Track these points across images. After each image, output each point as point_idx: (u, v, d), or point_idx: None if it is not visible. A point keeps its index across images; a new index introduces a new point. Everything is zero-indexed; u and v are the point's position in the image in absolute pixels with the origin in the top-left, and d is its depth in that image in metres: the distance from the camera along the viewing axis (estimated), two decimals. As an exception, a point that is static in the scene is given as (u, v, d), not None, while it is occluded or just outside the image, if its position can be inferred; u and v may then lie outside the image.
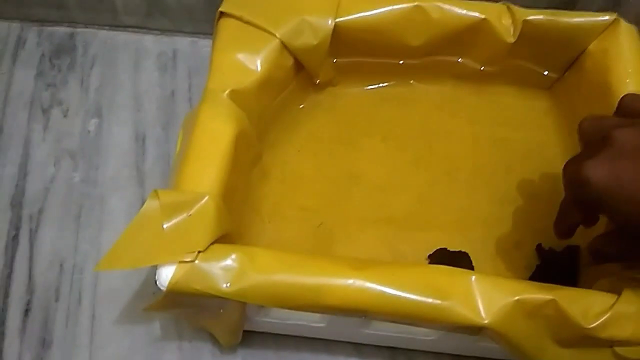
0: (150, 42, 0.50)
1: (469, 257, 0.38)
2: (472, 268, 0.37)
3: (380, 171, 0.41)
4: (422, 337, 0.34)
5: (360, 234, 0.39)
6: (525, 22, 0.37)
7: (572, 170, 0.29)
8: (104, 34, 0.50)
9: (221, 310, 0.31)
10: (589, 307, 0.28)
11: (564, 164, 0.30)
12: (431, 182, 0.40)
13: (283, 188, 0.40)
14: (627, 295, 0.29)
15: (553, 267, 0.37)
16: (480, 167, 0.41)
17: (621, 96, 0.31)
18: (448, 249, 0.38)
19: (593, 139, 0.29)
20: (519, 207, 0.40)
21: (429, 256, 0.38)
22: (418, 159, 0.41)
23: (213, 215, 0.30)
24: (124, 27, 0.50)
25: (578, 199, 0.30)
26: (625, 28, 0.37)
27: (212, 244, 0.29)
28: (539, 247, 0.38)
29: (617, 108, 0.31)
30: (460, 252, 0.38)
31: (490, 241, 0.39)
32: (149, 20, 0.49)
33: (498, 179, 0.40)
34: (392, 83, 0.43)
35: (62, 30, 0.50)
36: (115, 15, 0.49)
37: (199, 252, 0.29)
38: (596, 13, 0.38)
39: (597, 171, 0.27)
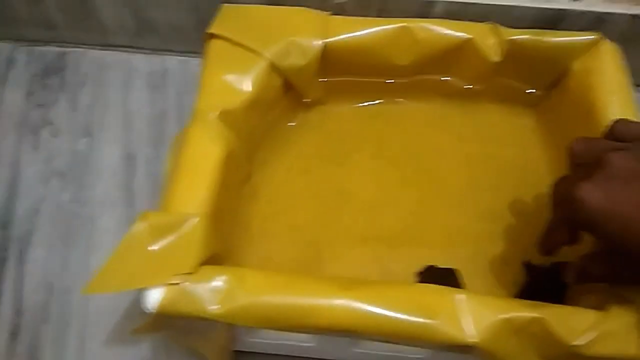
0: (140, 61, 0.50)
1: (458, 274, 0.38)
2: (461, 285, 0.38)
3: (370, 189, 0.41)
4: (413, 355, 0.34)
5: (349, 252, 0.39)
6: (511, 41, 0.38)
7: (565, 190, 0.29)
8: (94, 53, 0.50)
9: (210, 332, 0.31)
10: (576, 324, 0.29)
11: (554, 183, 0.31)
12: (420, 199, 0.41)
13: (272, 207, 0.40)
14: (614, 312, 0.29)
15: (541, 283, 0.37)
16: (469, 184, 0.41)
17: (613, 121, 0.31)
18: (437, 266, 0.38)
19: (585, 161, 0.30)
20: (508, 224, 0.40)
21: (419, 273, 0.38)
22: (407, 177, 0.42)
23: (202, 236, 0.30)
24: (114, 46, 0.50)
25: (569, 219, 0.31)
26: (608, 47, 0.38)
27: (200, 265, 0.29)
28: (526, 264, 0.38)
29: (609, 132, 0.31)
30: (449, 269, 0.38)
31: (479, 258, 0.39)
32: (138, 39, 0.49)
33: (487, 196, 0.41)
34: (381, 101, 0.44)
35: (52, 50, 0.50)
36: (104, 34, 0.49)
37: (188, 274, 0.29)
38: (580, 32, 0.38)
39: (592, 193, 0.27)
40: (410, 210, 0.40)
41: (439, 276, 0.38)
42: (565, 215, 0.31)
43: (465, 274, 0.38)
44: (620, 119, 0.32)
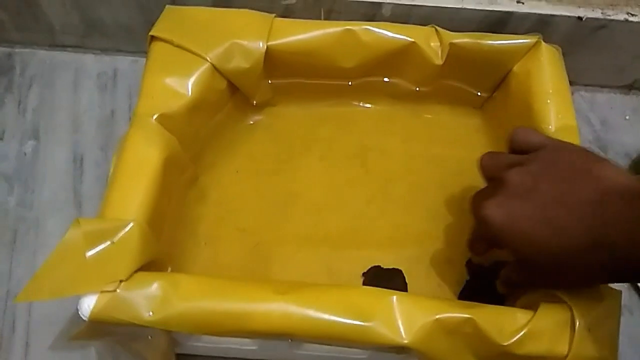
0: (90, 61, 0.49)
1: (402, 274, 0.39)
2: (405, 285, 0.38)
3: (317, 190, 0.41)
4: (355, 356, 0.34)
5: (296, 254, 0.39)
6: (452, 44, 0.38)
7: (475, 206, 0.31)
8: (42, 53, 0.49)
9: (149, 337, 0.31)
10: (506, 324, 0.29)
11: (471, 197, 0.33)
12: (367, 200, 0.41)
13: (220, 209, 0.40)
14: (543, 311, 0.30)
15: (482, 281, 0.38)
16: (414, 184, 0.42)
17: (513, 131, 0.33)
18: (382, 266, 0.39)
19: (492, 176, 0.32)
20: (452, 224, 0.40)
21: (364, 274, 0.38)
22: (354, 178, 0.42)
23: (137, 242, 0.30)
24: (63, 46, 0.49)
25: (481, 233, 0.34)
26: (546, 50, 0.39)
27: (136, 271, 0.29)
28: (468, 263, 0.39)
29: (510, 143, 0.33)
30: (394, 269, 0.39)
31: (423, 258, 0.39)
32: (87, 39, 0.49)
33: (432, 196, 0.41)
34: (330, 102, 0.44)
35: (-1, 50, 0.49)
36: (53, 35, 0.48)
37: (121, 281, 0.28)
38: (519, 36, 0.39)
39: (494, 211, 0.30)
40: (357, 211, 0.41)
41: (384, 277, 0.39)
42: (478, 229, 0.34)
43: (410, 274, 0.39)
44: (519, 129, 0.33)
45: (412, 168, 0.42)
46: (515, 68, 0.39)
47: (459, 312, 0.29)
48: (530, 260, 0.30)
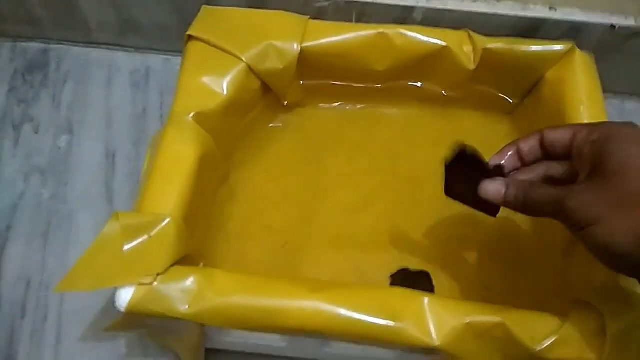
0: (123, 59, 0.50)
1: (429, 276, 0.39)
2: (432, 287, 0.38)
3: (346, 192, 0.42)
4: (382, 356, 0.35)
5: (324, 254, 0.39)
6: (485, 50, 0.38)
7: (586, 222, 0.26)
8: (77, 50, 0.50)
9: (182, 330, 0.32)
10: (537, 329, 0.29)
11: (559, 200, 0.27)
12: (395, 202, 0.41)
13: (250, 207, 0.41)
14: (574, 317, 0.30)
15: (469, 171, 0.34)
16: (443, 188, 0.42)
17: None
18: (410, 268, 0.39)
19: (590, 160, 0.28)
20: (479, 227, 0.41)
21: (391, 276, 0.39)
22: (383, 180, 0.42)
23: (173, 237, 0.30)
24: (97, 44, 0.50)
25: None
26: (580, 57, 0.38)
27: (171, 265, 0.30)
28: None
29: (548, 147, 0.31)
30: (421, 271, 0.39)
31: (450, 261, 0.40)
32: (122, 37, 0.50)
33: (459, 200, 0.41)
34: (359, 105, 0.44)
35: (35, 46, 0.51)
36: (88, 32, 0.49)
37: (158, 274, 0.29)
38: (553, 42, 0.39)
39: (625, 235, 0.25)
40: (384, 213, 0.41)
41: (412, 279, 0.39)
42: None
43: (438, 276, 0.39)
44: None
45: (440, 172, 0.42)
46: (548, 74, 0.39)
47: (490, 316, 0.29)
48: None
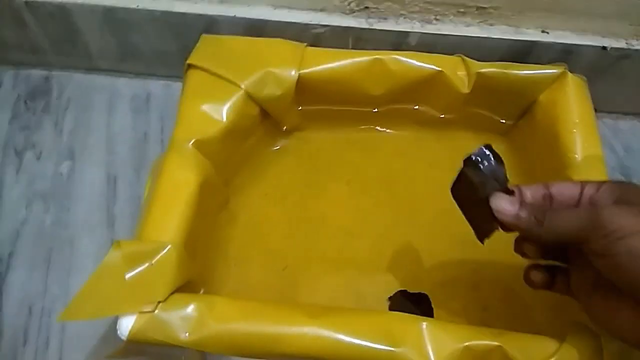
0: (124, 85, 0.51)
1: (428, 298, 0.39)
2: (431, 309, 0.39)
3: (345, 214, 0.42)
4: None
5: (323, 277, 0.40)
6: (479, 74, 0.39)
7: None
8: (79, 77, 0.51)
9: (183, 357, 0.32)
10: (535, 352, 0.30)
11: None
12: (393, 224, 0.42)
13: (249, 232, 0.41)
14: (571, 339, 0.30)
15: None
16: (441, 210, 0.42)
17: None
18: (408, 290, 0.39)
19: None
20: (477, 249, 0.41)
21: (389, 298, 0.39)
22: (381, 202, 0.43)
23: (174, 264, 0.31)
24: (99, 70, 0.51)
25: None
26: (572, 80, 0.39)
27: (172, 293, 0.30)
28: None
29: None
30: (420, 293, 0.39)
31: (449, 283, 0.40)
32: (122, 63, 0.51)
33: (457, 221, 0.41)
34: (357, 128, 0.45)
35: (37, 73, 0.51)
36: (89, 59, 0.50)
37: (159, 302, 0.29)
38: (546, 66, 0.40)
39: None
40: (383, 236, 0.41)
41: (410, 301, 0.39)
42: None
43: (436, 298, 0.39)
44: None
45: (437, 193, 0.42)
46: (541, 97, 0.40)
47: (488, 340, 0.30)
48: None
